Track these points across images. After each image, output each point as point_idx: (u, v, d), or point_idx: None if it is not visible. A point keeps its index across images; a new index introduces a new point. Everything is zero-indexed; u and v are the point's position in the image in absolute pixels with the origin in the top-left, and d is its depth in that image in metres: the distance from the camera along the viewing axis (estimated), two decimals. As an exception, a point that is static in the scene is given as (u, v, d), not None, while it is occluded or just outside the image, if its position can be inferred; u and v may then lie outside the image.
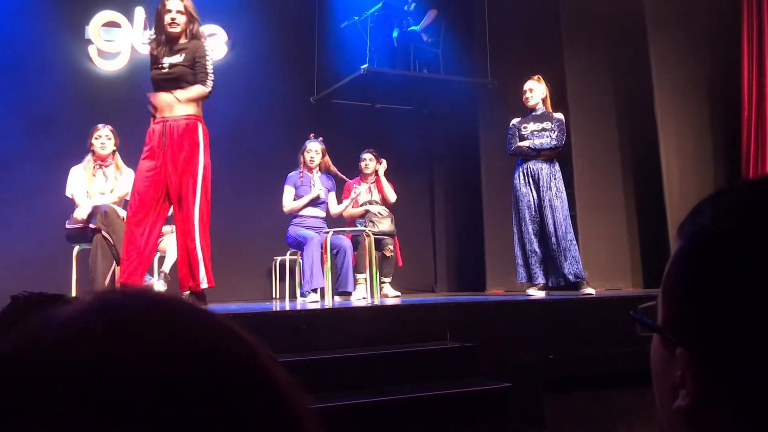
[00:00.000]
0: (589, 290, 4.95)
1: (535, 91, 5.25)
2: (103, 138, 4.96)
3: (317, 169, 5.67)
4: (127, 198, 4.42)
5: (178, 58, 3.95)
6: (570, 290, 5.13)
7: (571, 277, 5.01)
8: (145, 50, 6.46)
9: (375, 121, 7.52)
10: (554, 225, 5.06)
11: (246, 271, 6.69)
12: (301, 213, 5.60)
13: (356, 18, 6.80)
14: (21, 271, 5.51)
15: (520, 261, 5.19)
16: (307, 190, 5.61)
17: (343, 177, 5.91)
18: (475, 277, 7.23)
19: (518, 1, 6.96)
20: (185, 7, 4.00)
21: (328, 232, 5.27)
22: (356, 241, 5.62)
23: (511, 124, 5.33)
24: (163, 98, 3.90)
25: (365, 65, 6.38)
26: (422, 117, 7.94)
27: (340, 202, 5.96)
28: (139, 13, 6.76)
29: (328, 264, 5.05)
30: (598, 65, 6.60)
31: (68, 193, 4.93)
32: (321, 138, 5.77)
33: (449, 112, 7.58)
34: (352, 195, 5.94)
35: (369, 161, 6.12)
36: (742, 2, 6.05)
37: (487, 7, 6.89)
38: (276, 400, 0.37)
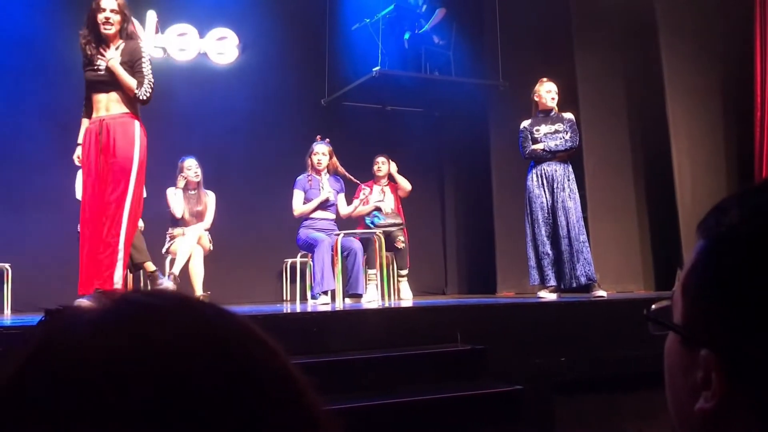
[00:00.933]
0: (601, 293, 4.93)
1: (554, 92, 5.24)
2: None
3: (325, 171, 5.65)
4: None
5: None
6: (581, 293, 5.11)
7: (583, 279, 4.98)
8: (156, 53, 6.49)
9: (386, 123, 7.52)
10: (567, 226, 5.03)
11: (257, 273, 6.70)
12: (311, 215, 5.59)
13: (367, 20, 6.80)
14: (42, 271, 5.56)
15: (532, 263, 5.16)
16: (316, 194, 5.59)
17: (351, 178, 5.89)
18: (486, 279, 7.21)
19: (529, 3, 6.95)
20: (119, 6, 3.84)
21: (338, 235, 5.27)
22: (367, 242, 5.61)
23: (521, 126, 5.28)
24: (98, 99, 3.85)
25: (377, 68, 6.38)
26: (433, 119, 7.93)
27: (350, 203, 5.96)
28: (151, 16, 6.79)
29: (338, 266, 5.05)
30: (609, 66, 6.57)
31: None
32: (328, 139, 5.73)
33: (460, 114, 7.56)
34: (362, 195, 5.94)
35: (382, 164, 6.17)
36: (754, 2, 6.02)
37: (498, 9, 6.87)
38: (296, 398, 0.38)
